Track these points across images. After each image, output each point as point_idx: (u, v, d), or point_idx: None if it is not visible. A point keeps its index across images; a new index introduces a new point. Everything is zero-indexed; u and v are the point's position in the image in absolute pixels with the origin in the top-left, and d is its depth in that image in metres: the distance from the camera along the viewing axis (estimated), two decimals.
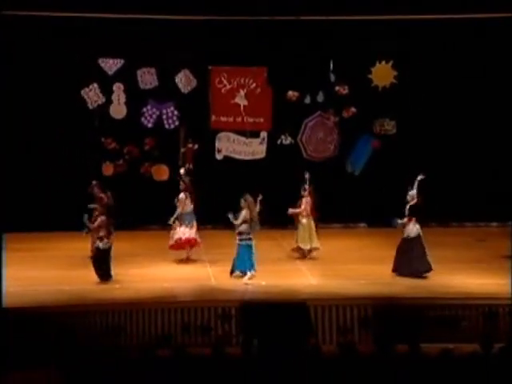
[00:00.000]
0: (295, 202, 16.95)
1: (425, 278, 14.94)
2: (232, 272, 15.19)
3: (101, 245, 14.86)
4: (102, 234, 14.88)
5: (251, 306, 12.95)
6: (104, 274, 14.80)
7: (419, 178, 15.38)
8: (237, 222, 15.07)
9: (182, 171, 17.31)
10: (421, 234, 15.21)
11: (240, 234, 15.16)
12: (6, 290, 11.98)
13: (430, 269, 15.04)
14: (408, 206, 15.24)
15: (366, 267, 15.66)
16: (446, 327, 13.04)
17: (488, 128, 19.69)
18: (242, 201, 15.21)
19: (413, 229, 15.20)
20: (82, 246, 16.29)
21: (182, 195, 16.65)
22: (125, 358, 9.47)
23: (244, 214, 15.11)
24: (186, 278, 15.37)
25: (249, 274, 15.10)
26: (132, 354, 9.71)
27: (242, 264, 15.11)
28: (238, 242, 15.19)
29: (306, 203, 16.81)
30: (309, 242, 16.76)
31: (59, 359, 10.59)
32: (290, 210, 16.94)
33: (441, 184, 19.41)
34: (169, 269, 16.07)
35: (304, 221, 16.80)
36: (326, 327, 13.10)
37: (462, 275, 15.09)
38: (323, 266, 16.12)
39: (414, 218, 15.18)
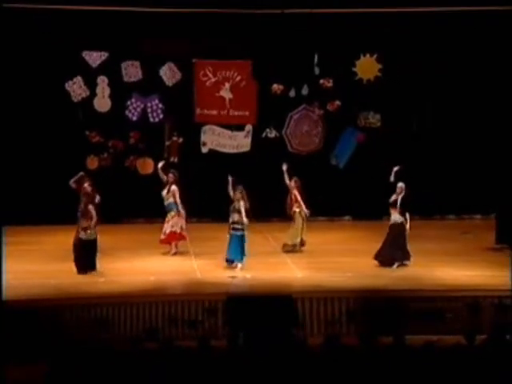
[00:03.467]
0: (280, 195, 16.92)
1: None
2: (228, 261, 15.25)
3: (84, 236, 14.89)
4: (86, 224, 14.91)
5: (237, 299, 12.97)
6: (83, 265, 14.78)
7: (395, 169, 15.48)
8: (245, 220, 15.11)
9: (160, 165, 16.99)
10: (395, 224, 15.33)
11: (234, 223, 15.23)
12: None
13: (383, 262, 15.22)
14: (400, 198, 15.31)
15: (352, 260, 15.69)
16: (431, 319, 13.10)
17: (472, 120, 19.74)
18: (237, 193, 15.28)
19: (394, 218, 15.37)
20: (68, 240, 16.22)
21: (174, 187, 16.48)
22: (112, 352, 9.46)
23: (243, 204, 15.19)
24: (171, 271, 15.37)
25: (240, 265, 15.18)
26: (119, 348, 9.71)
27: (234, 254, 15.19)
28: (231, 232, 15.21)
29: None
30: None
31: (46, 353, 10.58)
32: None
33: (424, 176, 19.47)
34: (154, 262, 16.05)
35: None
36: (313, 320, 13.14)
37: (446, 267, 15.15)
38: (309, 259, 16.16)
39: (401, 210, 15.32)
